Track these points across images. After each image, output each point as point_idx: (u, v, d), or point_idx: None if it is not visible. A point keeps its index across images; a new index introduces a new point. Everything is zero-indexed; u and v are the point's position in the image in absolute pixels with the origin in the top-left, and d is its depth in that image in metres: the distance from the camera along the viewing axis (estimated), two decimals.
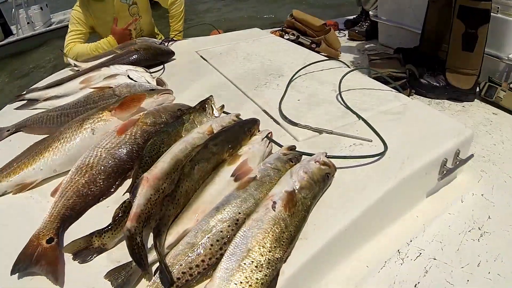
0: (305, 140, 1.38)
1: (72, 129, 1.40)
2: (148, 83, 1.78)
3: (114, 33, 2.53)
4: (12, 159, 1.36)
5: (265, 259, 0.88)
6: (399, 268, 1.11)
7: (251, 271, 0.86)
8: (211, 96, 1.51)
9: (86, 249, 1.01)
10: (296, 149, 1.25)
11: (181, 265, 0.91)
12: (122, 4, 2.63)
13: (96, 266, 0.96)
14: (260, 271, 0.86)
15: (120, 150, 1.31)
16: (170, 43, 2.55)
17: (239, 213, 1.00)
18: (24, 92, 1.92)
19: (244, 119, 1.42)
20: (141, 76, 1.81)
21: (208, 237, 0.95)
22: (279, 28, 2.90)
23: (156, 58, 2.20)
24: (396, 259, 1.14)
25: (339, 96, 1.63)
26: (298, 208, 0.99)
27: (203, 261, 0.92)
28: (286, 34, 2.76)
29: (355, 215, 1.06)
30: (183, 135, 1.33)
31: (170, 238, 1.00)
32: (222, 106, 1.52)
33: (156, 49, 2.22)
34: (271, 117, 1.56)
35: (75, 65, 2.17)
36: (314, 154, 1.18)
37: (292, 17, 2.79)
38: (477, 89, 2.12)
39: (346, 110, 1.54)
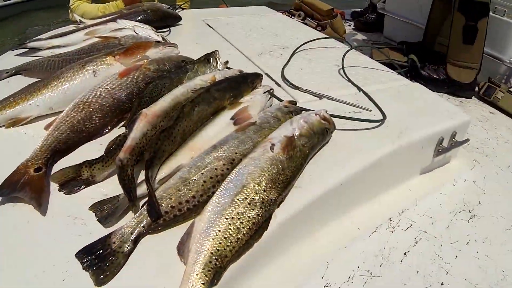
0: (305, 102, 1.38)
1: (73, 69, 1.37)
2: (152, 37, 1.75)
3: None
4: (9, 95, 1.33)
5: (259, 198, 0.85)
6: (390, 235, 1.10)
7: (244, 207, 0.83)
8: (217, 50, 1.50)
9: (74, 180, 0.98)
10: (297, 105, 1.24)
11: (170, 199, 0.88)
12: None
13: (82, 198, 0.93)
14: (253, 210, 0.83)
15: (120, 91, 1.29)
16: (177, 10, 2.53)
17: (236, 153, 0.98)
18: (27, 41, 1.88)
19: None
20: (145, 32, 1.78)
21: (201, 173, 0.93)
22: (286, 10, 2.90)
23: (163, 20, 2.19)
24: (387, 227, 1.12)
25: (341, 70, 1.63)
26: (296, 154, 0.97)
27: (194, 197, 0.89)
28: (293, 16, 2.75)
29: (350, 173, 1.05)
30: (185, 83, 1.31)
31: (162, 173, 0.98)
32: (226, 62, 1.50)
33: (163, 11, 2.20)
34: (273, 80, 1.56)
35: (81, 21, 2.13)
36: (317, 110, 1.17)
37: (300, 0, 2.79)
38: (476, 89, 2.12)
39: (347, 83, 1.54)
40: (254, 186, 0.86)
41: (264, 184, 0.87)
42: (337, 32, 2.60)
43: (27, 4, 9.91)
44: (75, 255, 0.76)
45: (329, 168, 1.04)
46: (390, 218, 1.15)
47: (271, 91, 1.31)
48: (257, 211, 0.83)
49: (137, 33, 1.76)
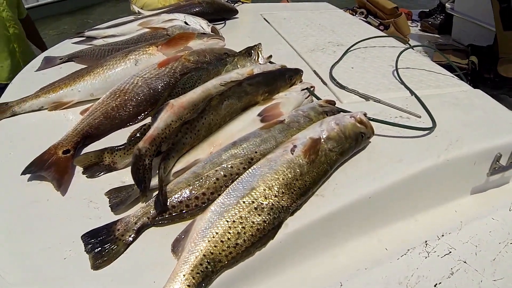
0: (349, 103, 1.26)
1: (116, 58, 1.40)
2: (203, 29, 1.73)
3: None
4: (56, 80, 1.39)
5: (268, 203, 0.78)
6: (422, 261, 0.94)
7: (249, 211, 0.76)
8: (259, 43, 1.43)
9: (97, 165, 1.00)
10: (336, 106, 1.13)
11: (179, 193, 0.84)
12: None
13: (101, 183, 0.95)
14: (259, 215, 0.76)
15: (157, 81, 1.28)
16: (236, 4, 2.51)
17: (256, 152, 0.91)
18: (85, 30, 1.97)
19: None
20: (197, 23, 1.77)
21: (215, 170, 0.87)
22: (349, 8, 2.75)
23: (218, 13, 2.18)
24: (421, 251, 0.97)
25: (395, 72, 1.48)
26: (321, 159, 0.87)
27: (204, 194, 0.84)
28: (356, 14, 2.60)
29: (384, 185, 0.92)
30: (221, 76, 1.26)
31: (178, 166, 0.94)
32: (270, 56, 1.43)
33: (219, 4, 2.18)
34: (319, 77, 1.46)
35: (139, 12, 2.20)
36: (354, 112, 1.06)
37: None
38: None
39: (399, 86, 1.39)
40: (264, 189, 0.78)
41: (276, 188, 0.79)
42: (400, 32, 2.41)
43: None
44: (81, 237, 0.77)
45: (360, 177, 0.93)
46: (426, 242, 0.99)
47: (312, 89, 1.22)
48: (263, 217, 0.76)
49: (187, 24, 1.76)
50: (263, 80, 1.15)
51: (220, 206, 0.77)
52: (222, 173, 0.87)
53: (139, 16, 2.07)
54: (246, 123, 1.03)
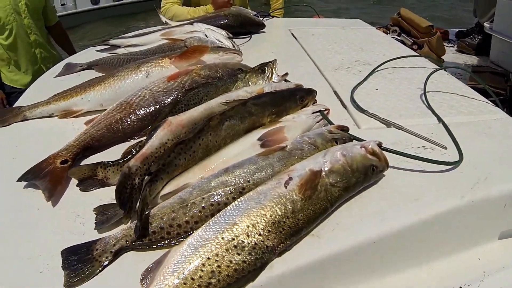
0: (367, 129, 1.16)
1: (128, 69, 1.38)
2: (221, 42, 1.68)
3: (215, 2, 2.49)
4: (69, 88, 1.38)
5: (251, 241, 0.69)
6: None
7: (227, 249, 0.68)
8: (275, 60, 1.35)
9: (91, 179, 0.97)
10: (349, 132, 1.02)
11: (162, 218, 0.78)
12: None
13: (93, 198, 0.93)
14: (239, 254, 0.68)
15: (164, 95, 1.24)
16: (265, 18, 2.46)
17: (249, 181, 0.83)
18: (111, 39, 1.98)
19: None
20: (216, 36, 1.73)
21: (202, 198, 0.80)
22: (383, 25, 2.63)
23: (244, 26, 2.12)
24: None
25: (423, 95, 1.35)
26: (319, 195, 0.77)
27: (187, 222, 0.78)
28: (389, 32, 2.48)
29: (394, 228, 0.81)
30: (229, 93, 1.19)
31: (167, 189, 0.88)
32: (286, 74, 1.35)
33: (245, 17, 2.13)
34: (339, 98, 1.36)
35: (166, 23, 2.19)
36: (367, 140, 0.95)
37: (399, 15, 2.52)
38: None
39: (427, 111, 1.27)
40: (248, 226, 0.70)
41: (261, 226, 0.70)
42: (435, 52, 2.25)
43: (131, 6, 10.95)
44: (61, 252, 0.76)
45: (367, 217, 0.82)
46: None
47: (325, 112, 1.12)
48: (243, 257, 0.67)
49: (206, 36, 1.72)
50: (270, 100, 1.07)
51: (197, 239, 0.69)
52: (209, 201, 0.80)
53: (164, 27, 2.06)
54: (244, 147, 0.95)
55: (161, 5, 2.56)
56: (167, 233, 0.77)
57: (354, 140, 1.00)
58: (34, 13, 2.57)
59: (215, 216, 0.74)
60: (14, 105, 1.39)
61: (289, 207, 0.73)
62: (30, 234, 0.83)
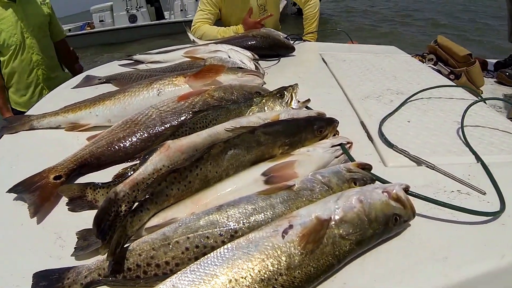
0: (395, 167, 1.02)
1: (140, 85, 1.31)
2: (243, 63, 1.59)
3: (245, 23, 2.43)
4: (80, 101, 1.33)
5: None
6: None
7: None
8: (296, 84, 1.24)
9: (80, 199, 0.90)
10: (372, 171, 0.88)
11: (140, 255, 0.68)
12: None
13: (79, 220, 0.86)
14: None
15: (172, 116, 1.15)
16: (297, 42, 2.36)
17: (243, 224, 0.71)
18: (135, 54, 1.95)
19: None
20: (239, 57, 1.64)
21: (187, 237, 0.69)
22: (419, 54, 2.47)
23: (273, 48, 2.03)
24: None
25: (460, 130, 1.19)
26: (324, 249, 0.64)
27: (167, 263, 0.67)
28: (425, 60, 2.31)
29: None
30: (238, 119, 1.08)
31: (154, 221, 0.77)
32: (307, 100, 1.22)
33: (274, 39, 2.04)
34: (366, 130, 1.23)
35: (193, 41, 2.15)
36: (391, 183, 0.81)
37: (436, 43, 2.36)
38: None
39: (464, 148, 1.11)
40: (229, 280, 0.57)
41: (246, 282, 0.58)
42: (473, 82, 2.07)
43: (168, 26, 11.30)
44: (33, 274, 0.71)
45: (382, 277, 0.68)
46: None
47: (347, 146, 0.98)
48: None
49: (229, 57, 1.64)
50: (283, 129, 0.95)
51: None
52: (194, 242, 0.69)
53: (191, 45, 2.01)
54: (245, 182, 0.83)
55: (192, 23, 2.54)
56: (144, 272, 0.67)
57: (376, 182, 0.85)
58: (40, 31, 2.51)
59: (195, 263, 0.62)
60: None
61: (284, 262, 0.60)
62: (7, 251, 0.79)
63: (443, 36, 2.46)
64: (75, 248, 0.76)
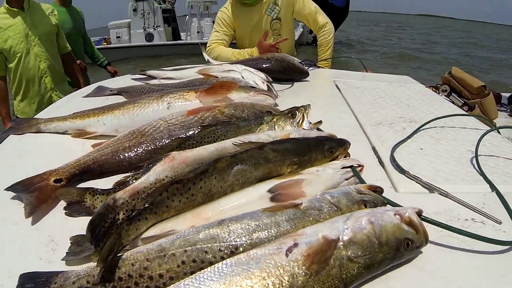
0: (406, 193, 0.98)
1: (151, 98, 1.30)
2: (256, 84, 1.58)
3: (260, 46, 2.45)
4: (89, 108, 1.33)
5: None
6: None
7: None
8: (308, 105, 1.22)
9: (78, 204, 0.88)
10: (383, 195, 0.84)
11: (133, 265, 0.64)
12: (267, 15, 2.57)
13: (75, 225, 0.84)
14: None
15: (180, 129, 1.13)
16: (311, 68, 2.37)
17: (245, 240, 0.66)
18: (148, 69, 1.97)
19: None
20: (253, 77, 1.64)
21: (185, 250, 0.65)
22: (433, 85, 2.45)
23: (286, 72, 2.03)
24: None
25: (474, 159, 1.16)
26: (330, 271, 0.59)
27: (160, 276, 0.63)
28: (438, 92, 2.30)
29: None
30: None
31: (151, 232, 0.73)
32: (319, 122, 1.20)
33: (289, 63, 2.04)
34: (377, 155, 1.19)
35: (208, 61, 2.17)
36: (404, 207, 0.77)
37: (450, 74, 2.34)
38: None
39: (478, 177, 1.07)
40: None
41: None
42: (487, 114, 2.04)
43: (184, 47, 11.52)
44: (20, 275, 0.68)
45: None
46: None
47: (358, 168, 0.95)
48: None
49: (242, 77, 1.64)
50: (292, 147, 0.92)
51: None
52: (192, 256, 0.64)
53: (205, 65, 2.02)
54: (250, 198, 0.79)
55: (207, 44, 2.56)
56: (135, 283, 0.63)
57: (388, 205, 0.81)
58: (47, 41, 2.53)
59: (190, 277, 0.58)
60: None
61: (286, 282, 0.56)
62: None
63: (457, 67, 2.45)
64: (67, 253, 0.73)
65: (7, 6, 2.37)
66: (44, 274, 0.67)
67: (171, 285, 0.58)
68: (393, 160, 1.14)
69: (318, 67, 2.55)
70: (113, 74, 3.46)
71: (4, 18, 2.37)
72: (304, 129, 1.15)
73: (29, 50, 2.43)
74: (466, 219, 0.87)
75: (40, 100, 2.56)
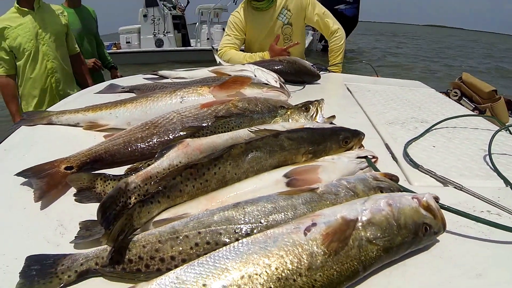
0: (421, 186, 0.96)
1: (164, 92, 1.30)
2: (269, 82, 1.58)
3: (272, 50, 2.46)
4: (102, 103, 1.33)
5: None
6: None
7: None
8: (322, 99, 1.21)
9: (89, 191, 0.87)
10: (399, 183, 0.83)
11: (144, 247, 0.63)
12: (278, 20, 2.58)
13: (85, 210, 0.83)
14: None
15: (193, 121, 1.13)
16: (322, 72, 2.37)
17: (261, 222, 0.65)
18: (160, 70, 1.98)
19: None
20: (266, 76, 1.63)
21: (198, 232, 0.63)
22: (443, 91, 2.44)
23: (298, 75, 2.03)
24: None
25: (487, 157, 1.14)
26: (349, 252, 0.58)
27: (172, 258, 0.61)
28: (449, 96, 2.28)
29: None
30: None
31: (163, 216, 0.72)
32: (332, 116, 1.18)
33: (300, 66, 2.04)
34: (390, 151, 1.18)
35: (220, 64, 2.17)
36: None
37: (460, 79, 2.32)
38: None
39: (491, 173, 1.06)
40: (241, 276, 0.51)
41: (261, 280, 0.51)
42: (498, 118, 2.02)
43: (194, 53, 11.56)
44: (26, 257, 0.66)
45: None
46: None
47: (373, 160, 0.93)
48: None
49: (255, 76, 1.63)
50: (307, 136, 0.91)
51: (172, 281, 0.52)
52: (205, 238, 0.63)
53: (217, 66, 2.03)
54: (265, 183, 0.78)
55: (219, 47, 2.58)
56: (146, 265, 0.61)
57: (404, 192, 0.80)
58: (57, 40, 2.53)
59: (205, 256, 0.56)
60: None
61: (305, 261, 0.54)
62: (3, 230, 0.77)
63: (468, 73, 2.43)
64: (75, 237, 0.72)
65: (17, 6, 2.41)
66: (52, 256, 0.66)
67: (185, 265, 0.56)
68: (406, 155, 1.12)
69: (329, 71, 2.54)
70: (101, 67, 3.28)
71: (15, 17, 2.40)
72: (317, 122, 1.15)
73: (38, 48, 2.45)
74: (482, 211, 0.85)
75: (46, 99, 2.57)
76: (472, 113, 1.70)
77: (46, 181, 0.89)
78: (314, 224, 0.59)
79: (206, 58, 10.36)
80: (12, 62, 2.45)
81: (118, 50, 12.04)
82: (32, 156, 1.05)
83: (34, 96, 2.55)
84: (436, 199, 0.71)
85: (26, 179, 0.92)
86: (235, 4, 10.43)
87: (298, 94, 1.84)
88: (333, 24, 2.61)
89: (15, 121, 2.51)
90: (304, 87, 1.98)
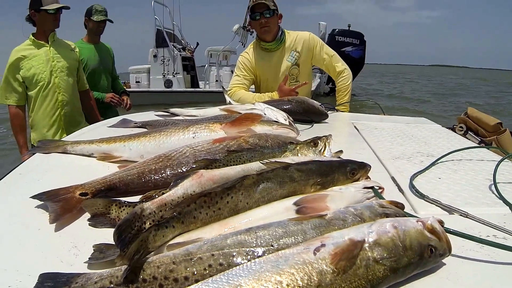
0: (427, 215, 0.96)
1: (177, 128, 1.37)
2: (278, 120, 1.64)
3: (280, 90, 2.53)
4: (116, 135, 1.39)
5: None
6: None
7: None
8: (330, 135, 1.26)
9: (103, 216, 0.90)
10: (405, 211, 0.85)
11: (158, 267, 0.65)
12: (287, 62, 2.68)
13: (99, 235, 0.86)
14: None
15: (206, 155, 1.17)
16: (330, 111, 2.44)
17: (272, 245, 0.68)
18: (172, 108, 2.06)
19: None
20: (276, 115, 1.70)
21: (212, 254, 0.66)
22: (449, 127, 2.48)
23: (306, 114, 2.10)
24: None
25: (492, 186, 1.17)
26: (357, 271, 0.60)
27: (186, 278, 0.63)
28: (455, 131, 2.33)
29: None
30: None
31: (178, 239, 0.75)
32: (340, 151, 1.23)
33: (309, 105, 2.12)
34: (397, 184, 1.21)
35: (230, 103, 2.26)
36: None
37: (466, 114, 2.37)
38: None
39: (497, 201, 1.09)
40: None
41: None
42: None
43: (203, 95, 11.64)
44: (40, 274, 0.68)
45: None
46: None
47: (379, 190, 0.97)
48: None
49: (264, 114, 1.70)
50: (316, 168, 0.95)
51: None
52: (219, 260, 0.65)
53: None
54: (276, 210, 0.81)
55: (228, 88, 2.67)
56: (159, 285, 0.63)
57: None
58: (69, 74, 2.62)
59: (218, 274, 0.59)
60: None
61: (315, 278, 0.56)
62: (18, 248, 0.79)
63: (473, 108, 2.48)
64: (89, 258, 0.74)
65: (33, 38, 2.56)
66: (65, 275, 0.67)
67: (199, 282, 0.59)
68: (412, 186, 1.15)
69: (337, 110, 2.61)
70: (119, 101, 3.35)
71: (29, 48, 2.54)
72: (325, 157, 1.19)
73: (50, 80, 2.56)
74: (488, 236, 0.86)
75: (54, 131, 2.64)
76: (484, 150, 1.74)
77: (61, 205, 0.92)
78: (323, 245, 0.62)
79: (214, 99, 10.59)
80: (23, 93, 2.56)
81: (128, 89, 12.22)
82: (46, 181, 1.09)
83: (43, 127, 2.63)
84: (441, 222, 0.73)
85: (42, 202, 0.95)
86: (244, 47, 10.69)
87: (307, 132, 1.90)
88: (340, 64, 2.70)
89: (22, 152, 2.59)
90: (312, 125, 2.04)
